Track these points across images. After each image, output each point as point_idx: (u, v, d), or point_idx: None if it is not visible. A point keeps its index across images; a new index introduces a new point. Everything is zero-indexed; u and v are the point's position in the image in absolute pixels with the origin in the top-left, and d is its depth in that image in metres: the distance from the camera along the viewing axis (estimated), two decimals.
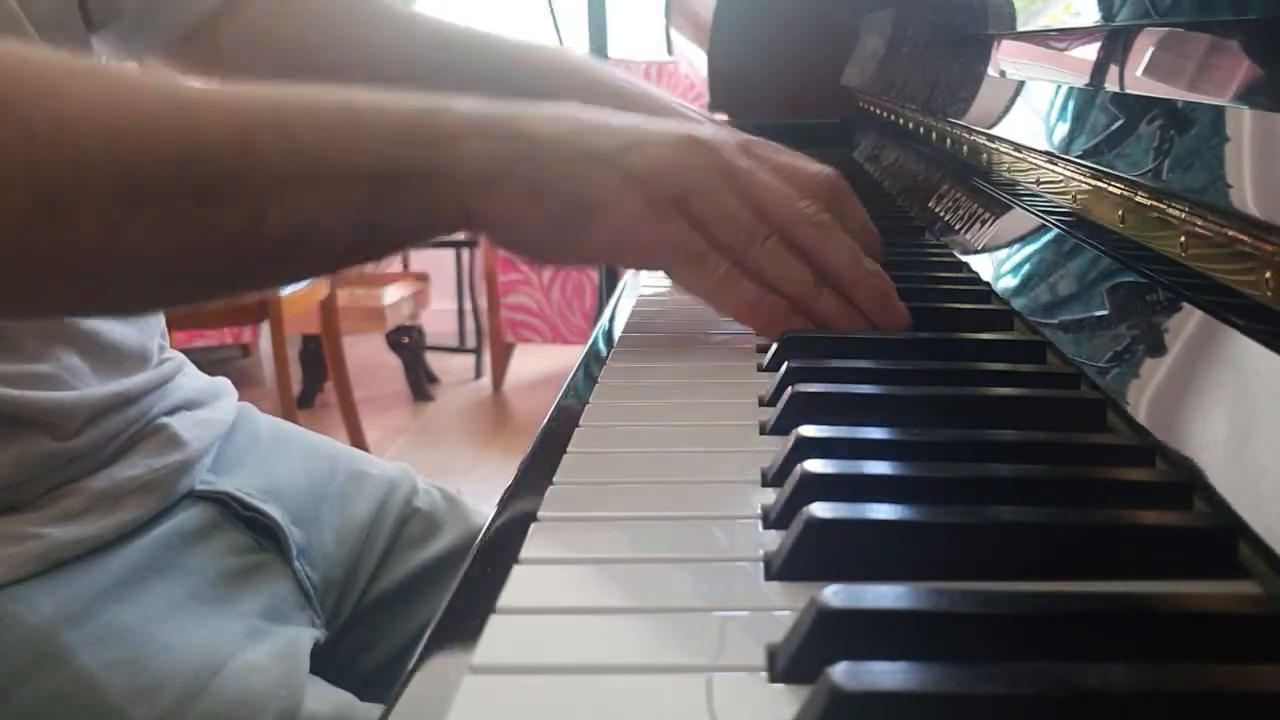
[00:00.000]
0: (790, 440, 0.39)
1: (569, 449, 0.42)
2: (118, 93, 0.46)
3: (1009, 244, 0.64)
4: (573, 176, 0.49)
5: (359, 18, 0.82)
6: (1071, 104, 0.58)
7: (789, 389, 0.44)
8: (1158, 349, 0.41)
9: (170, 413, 0.68)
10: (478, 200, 0.49)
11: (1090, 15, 0.58)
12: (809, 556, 0.31)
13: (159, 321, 0.72)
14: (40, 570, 0.57)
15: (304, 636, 0.64)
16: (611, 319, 0.63)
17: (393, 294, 3.25)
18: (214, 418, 0.71)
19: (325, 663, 0.65)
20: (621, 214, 0.49)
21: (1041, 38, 0.68)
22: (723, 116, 1.45)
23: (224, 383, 0.76)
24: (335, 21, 0.82)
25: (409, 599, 0.77)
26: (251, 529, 0.68)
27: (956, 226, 0.75)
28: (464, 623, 0.28)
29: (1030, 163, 0.63)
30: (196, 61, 0.79)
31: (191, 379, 0.72)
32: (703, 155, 0.50)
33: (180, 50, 0.78)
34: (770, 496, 0.36)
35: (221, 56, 0.79)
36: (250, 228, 0.47)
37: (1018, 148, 0.65)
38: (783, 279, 0.51)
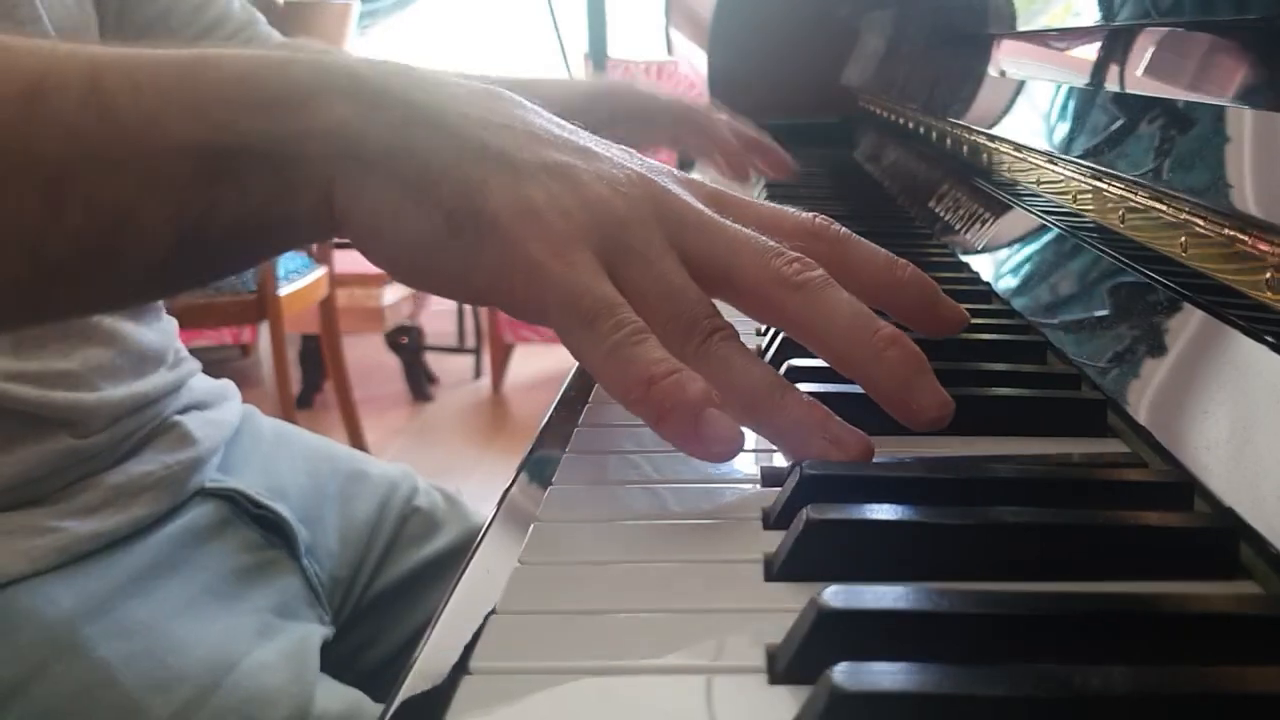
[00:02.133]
0: None
1: (568, 449, 0.42)
2: None
3: (1009, 244, 0.64)
4: (469, 181, 0.36)
5: None
6: (1071, 104, 0.58)
7: None
8: (1158, 349, 0.41)
9: (182, 412, 0.69)
10: (344, 189, 0.37)
11: (1090, 15, 0.58)
12: (809, 556, 0.30)
13: (175, 323, 0.73)
14: (59, 564, 0.58)
15: (314, 634, 0.65)
16: None
17: (392, 294, 3.25)
18: (222, 419, 0.72)
19: (331, 658, 0.66)
20: (516, 241, 0.36)
21: (1041, 38, 0.68)
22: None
23: (229, 385, 0.77)
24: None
25: (410, 596, 0.78)
26: (261, 526, 0.69)
27: (956, 226, 0.75)
28: (462, 623, 0.28)
29: (1030, 162, 0.63)
30: None
31: (200, 380, 0.73)
32: (654, 203, 0.38)
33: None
34: (770, 497, 0.36)
35: None
36: (47, 212, 0.36)
37: (1018, 147, 0.65)
38: (728, 384, 0.36)
